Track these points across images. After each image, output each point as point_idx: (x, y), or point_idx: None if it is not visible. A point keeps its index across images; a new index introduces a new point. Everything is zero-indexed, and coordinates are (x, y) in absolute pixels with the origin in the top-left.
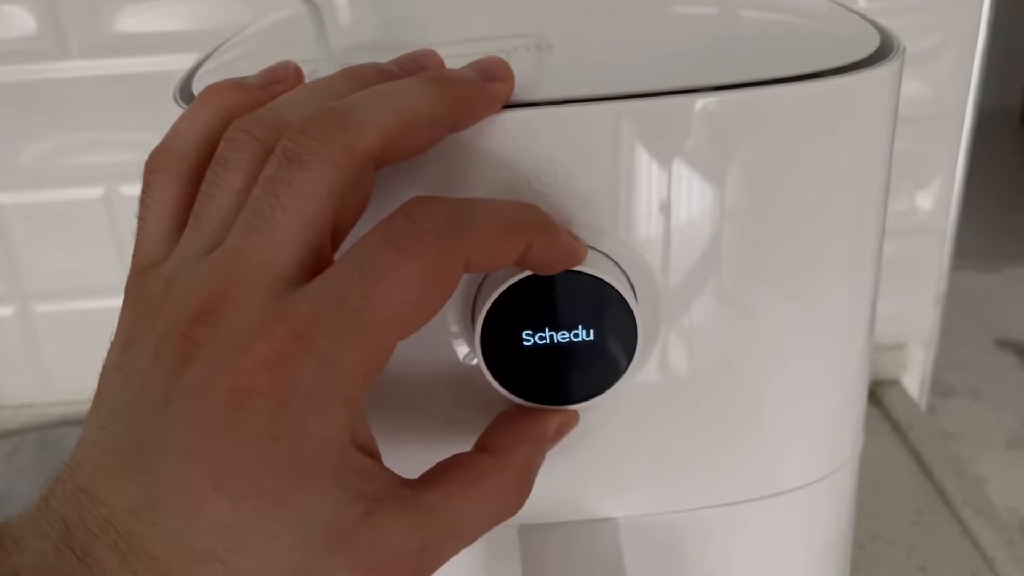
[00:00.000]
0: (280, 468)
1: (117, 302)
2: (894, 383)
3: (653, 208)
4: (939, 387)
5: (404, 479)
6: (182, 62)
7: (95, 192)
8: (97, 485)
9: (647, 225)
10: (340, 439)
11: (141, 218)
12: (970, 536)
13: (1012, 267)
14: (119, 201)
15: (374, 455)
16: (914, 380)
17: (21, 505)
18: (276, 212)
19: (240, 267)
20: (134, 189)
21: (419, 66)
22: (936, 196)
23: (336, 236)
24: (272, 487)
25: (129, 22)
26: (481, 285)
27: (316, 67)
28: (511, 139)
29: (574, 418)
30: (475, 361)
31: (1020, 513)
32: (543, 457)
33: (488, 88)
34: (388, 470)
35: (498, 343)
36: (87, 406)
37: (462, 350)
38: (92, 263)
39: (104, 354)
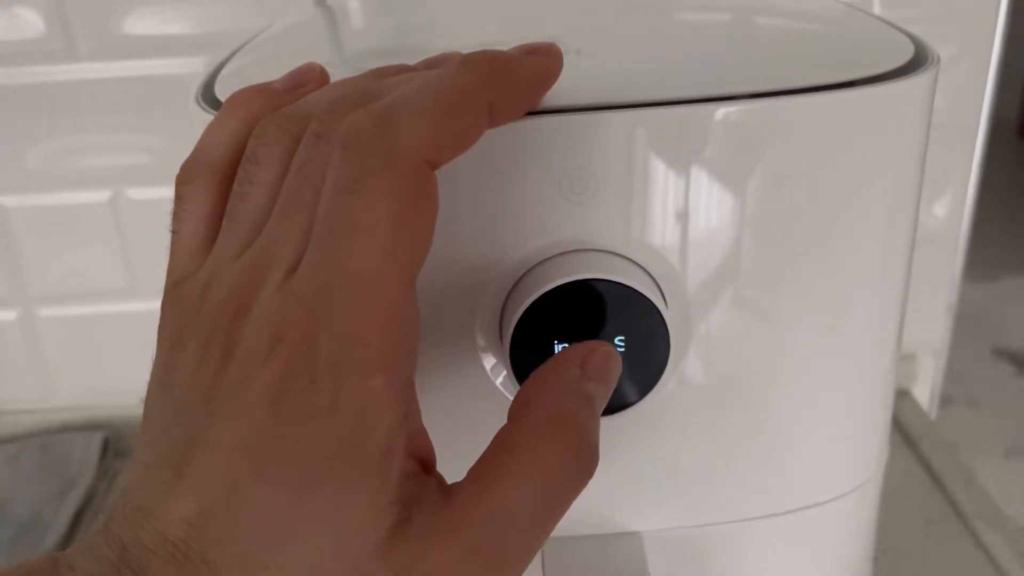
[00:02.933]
0: (315, 451)
1: (122, 307)
2: (904, 394)
3: (685, 217)
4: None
5: (444, 483)
6: (191, 65)
7: (101, 195)
8: (151, 502)
9: (678, 233)
10: (380, 415)
11: (175, 231)
12: (983, 548)
13: (1009, 277)
14: (125, 204)
15: (426, 450)
16: (923, 391)
17: (24, 510)
18: (305, 193)
19: (272, 256)
20: (141, 192)
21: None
22: (948, 207)
23: None
24: (305, 473)
25: (138, 25)
26: (509, 296)
27: (332, 71)
28: (541, 145)
29: (611, 351)
30: (503, 376)
31: (1019, 523)
32: (582, 401)
33: (528, 60)
34: (429, 475)
35: (528, 354)
36: (90, 411)
37: (489, 363)
38: (97, 267)
39: (108, 359)
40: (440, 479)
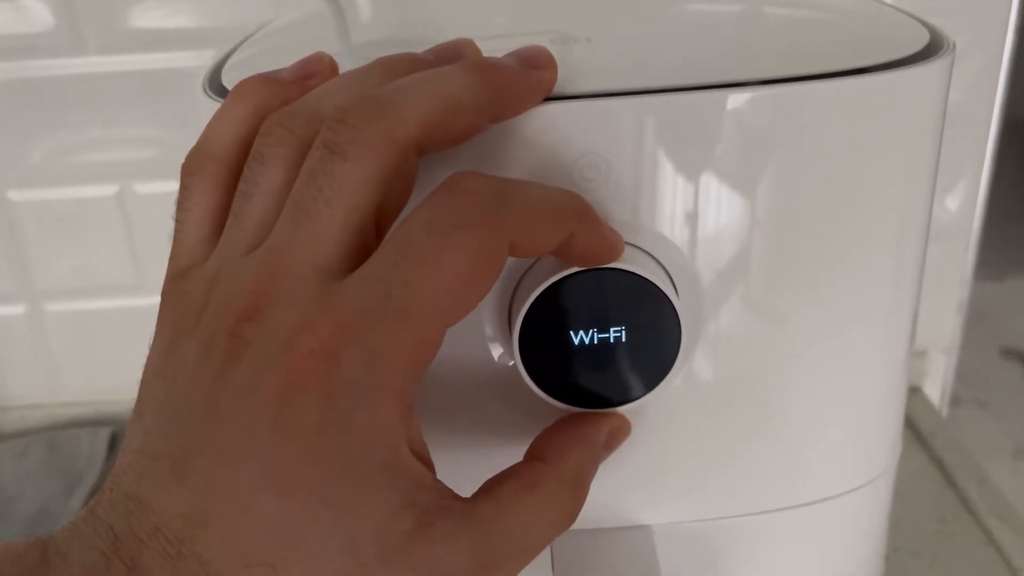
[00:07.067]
0: (328, 465)
1: (129, 302)
2: (915, 391)
3: (695, 206)
4: None
5: (455, 493)
6: (198, 58)
7: (108, 190)
8: (145, 492)
9: (689, 223)
10: (391, 436)
11: (179, 221)
12: (996, 546)
13: (1017, 276)
14: (133, 199)
15: (428, 464)
16: (935, 388)
17: (31, 506)
18: (319, 204)
19: (286, 262)
20: (148, 187)
21: (456, 55)
22: (960, 202)
23: (381, 225)
24: (319, 485)
25: (145, 17)
26: (518, 286)
27: (340, 61)
28: (553, 132)
29: (626, 425)
30: (511, 363)
31: None
32: (596, 465)
33: (531, 76)
34: (440, 482)
35: (536, 345)
36: (97, 407)
37: (496, 352)
38: (104, 262)
39: (114, 354)
40: (450, 490)
